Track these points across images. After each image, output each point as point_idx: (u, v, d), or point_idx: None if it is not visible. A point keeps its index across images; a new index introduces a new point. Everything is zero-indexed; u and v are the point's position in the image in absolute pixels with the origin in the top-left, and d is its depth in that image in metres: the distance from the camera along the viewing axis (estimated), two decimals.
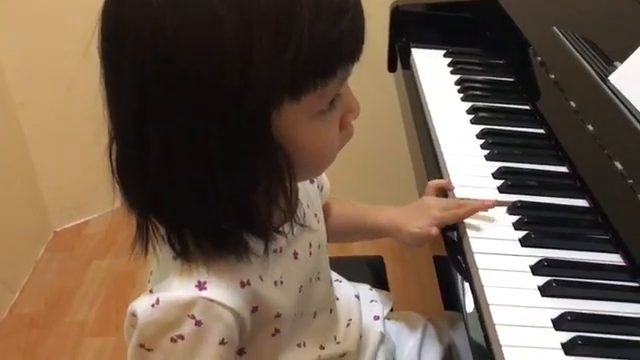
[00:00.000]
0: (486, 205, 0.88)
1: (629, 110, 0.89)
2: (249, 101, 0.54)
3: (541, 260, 0.80)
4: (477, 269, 0.79)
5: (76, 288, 1.93)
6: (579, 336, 0.69)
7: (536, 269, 0.79)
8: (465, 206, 0.88)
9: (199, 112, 0.54)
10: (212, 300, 0.61)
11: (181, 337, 0.61)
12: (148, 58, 0.54)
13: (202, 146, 0.56)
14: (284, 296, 0.69)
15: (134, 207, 0.62)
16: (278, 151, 0.58)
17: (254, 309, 0.65)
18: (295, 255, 0.71)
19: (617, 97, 0.92)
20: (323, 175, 0.88)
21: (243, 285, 0.64)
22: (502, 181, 0.95)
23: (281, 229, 0.66)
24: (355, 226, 0.96)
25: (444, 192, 0.96)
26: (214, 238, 0.61)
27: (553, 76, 1.12)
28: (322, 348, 0.80)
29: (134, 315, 0.63)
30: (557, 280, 0.77)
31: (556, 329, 0.71)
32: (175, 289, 0.61)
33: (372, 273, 1.14)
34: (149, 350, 0.62)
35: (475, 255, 0.81)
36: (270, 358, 0.72)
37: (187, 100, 0.54)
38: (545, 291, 0.76)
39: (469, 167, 0.98)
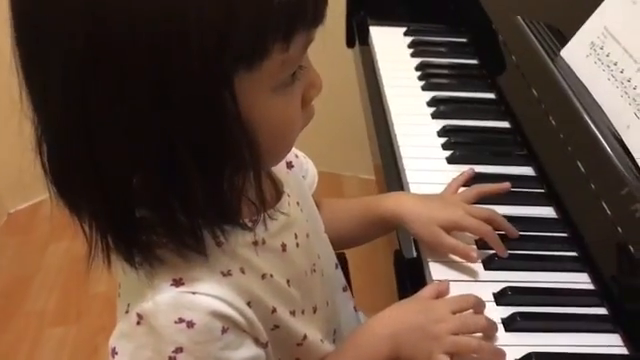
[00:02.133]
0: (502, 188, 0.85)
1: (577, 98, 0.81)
2: (206, 68, 0.50)
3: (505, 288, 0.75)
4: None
5: (33, 275, 1.86)
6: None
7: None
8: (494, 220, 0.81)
9: (152, 87, 0.50)
10: (195, 292, 0.56)
11: (180, 350, 0.55)
12: (83, 34, 0.49)
13: (161, 127, 0.51)
14: (274, 291, 0.64)
15: (79, 214, 0.57)
16: (239, 126, 0.53)
17: (248, 303, 0.60)
18: (283, 247, 0.66)
19: (566, 81, 0.84)
20: (306, 163, 0.82)
21: (224, 275, 0.59)
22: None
23: (251, 222, 0.60)
24: (361, 219, 0.86)
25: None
26: (173, 234, 0.56)
27: (514, 59, 1.05)
28: (322, 342, 0.73)
29: (116, 352, 0.58)
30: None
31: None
32: (150, 296, 0.56)
33: None
34: None
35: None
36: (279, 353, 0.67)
37: (137, 75, 0.50)
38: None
39: (430, 173, 0.92)
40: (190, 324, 0.55)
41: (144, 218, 0.56)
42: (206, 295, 0.56)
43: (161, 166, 0.53)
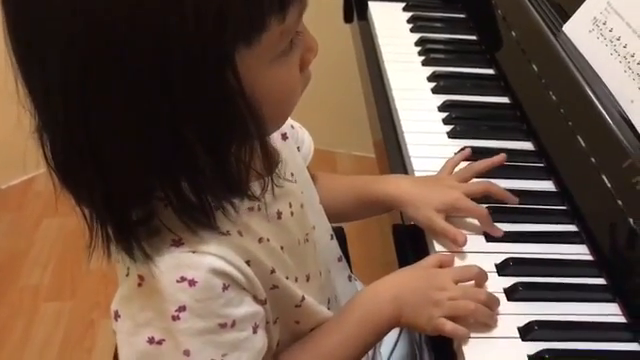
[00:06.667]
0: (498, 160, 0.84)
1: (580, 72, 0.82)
2: (206, 50, 0.50)
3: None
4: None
5: (27, 250, 1.86)
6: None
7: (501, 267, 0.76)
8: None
9: (154, 71, 0.50)
10: (195, 251, 0.57)
11: (182, 308, 0.56)
12: (82, 28, 0.49)
13: (165, 111, 0.51)
14: (271, 254, 0.65)
15: (87, 205, 0.57)
16: (243, 102, 0.53)
17: (247, 262, 0.61)
18: (279, 215, 0.67)
19: (568, 55, 0.84)
20: (302, 134, 0.83)
21: (224, 234, 0.59)
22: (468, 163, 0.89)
23: (254, 192, 0.61)
24: (357, 199, 0.88)
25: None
26: (184, 213, 0.56)
27: (514, 34, 1.05)
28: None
29: (119, 315, 0.59)
30: None
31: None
32: (152, 258, 0.56)
33: None
34: (160, 343, 0.57)
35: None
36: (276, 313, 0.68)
37: (138, 61, 0.50)
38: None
39: (431, 148, 0.93)
40: (192, 282, 0.56)
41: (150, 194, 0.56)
42: (206, 253, 0.57)
43: (168, 149, 0.53)
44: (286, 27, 0.54)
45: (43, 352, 1.60)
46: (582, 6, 0.83)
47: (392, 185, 0.84)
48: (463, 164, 0.87)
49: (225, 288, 0.58)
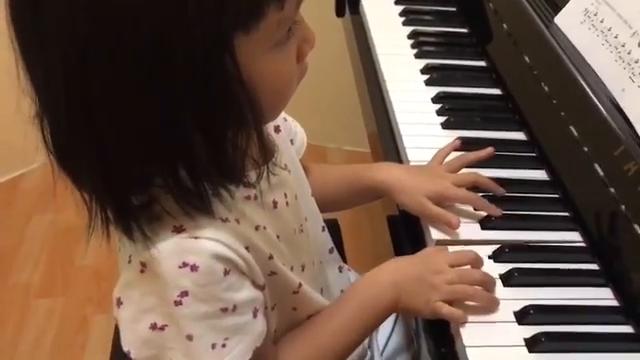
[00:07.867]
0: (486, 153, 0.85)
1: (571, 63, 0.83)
2: (205, 35, 0.51)
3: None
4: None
5: (17, 247, 1.84)
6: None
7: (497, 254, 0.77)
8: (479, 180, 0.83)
9: (153, 55, 0.51)
10: (197, 237, 0.58)
11: (185, 293, 0.57)
12: (83, 12, 0.50)
13: (163, 95, 0.52)
14: (268, 242, 0.66)
15: (87, 188, 0.57)
16: (241, 88, 0.54)
17: (246, 248, 0.62)
18: (275, 204, 0.68)
19: (560, 47, 0.85)
20: (295, 127, 0.84)
21: (223, 221, 0.60)
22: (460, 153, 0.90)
23: (250, 179, 0.62)
24: (349, 186, 0.89)
25: None
26: (180, 197, 0.57)
27: (506, 27, 1.07)
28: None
29: (121, 302, 0.59)
30: None
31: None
32: (152, 245, 0.57)
33: None
34: (162, 329, 0.58)
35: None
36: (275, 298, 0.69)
37: (137, 44, 0.50)
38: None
39: (426, 138, 0.94)
40: (194, 267, 0.57)
41: (148, 179, 0.57)
42: (207, 239, 0.58)
43: (165, 133, 0.54)
44: (284, 16, 0.55)
45: (35, 349, 1.59)
46: None
47: (383, 172, 0.86)
48: (453, 154, 0.88)
49: (226, 273, 0.59)
